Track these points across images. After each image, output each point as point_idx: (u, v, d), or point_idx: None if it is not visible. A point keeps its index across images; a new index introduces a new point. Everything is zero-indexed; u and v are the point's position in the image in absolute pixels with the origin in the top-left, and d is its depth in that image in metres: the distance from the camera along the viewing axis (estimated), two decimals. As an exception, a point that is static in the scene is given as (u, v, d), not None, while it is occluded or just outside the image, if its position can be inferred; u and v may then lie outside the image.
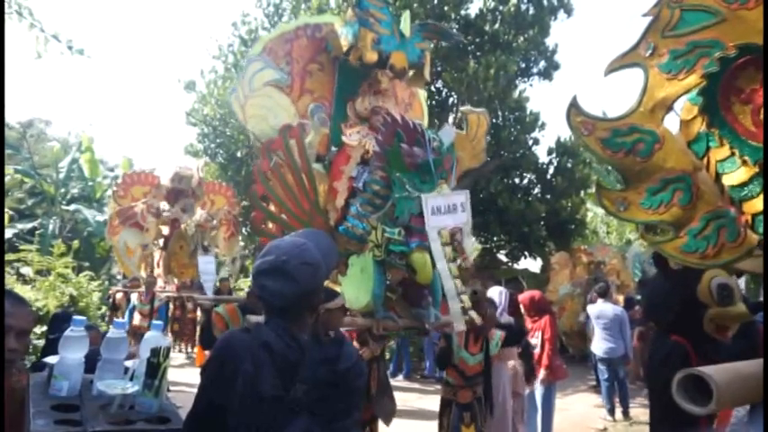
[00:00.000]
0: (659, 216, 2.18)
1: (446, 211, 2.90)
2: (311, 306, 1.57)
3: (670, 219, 2.15)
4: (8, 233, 15.09)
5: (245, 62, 3.76)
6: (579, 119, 2.28)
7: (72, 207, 17.10)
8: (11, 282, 9.72)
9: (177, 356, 10.23)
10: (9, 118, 23.90)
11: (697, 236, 2.05)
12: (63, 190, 17.62)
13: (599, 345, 6.84)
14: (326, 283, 3.59)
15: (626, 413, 6.85)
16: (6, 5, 6.79)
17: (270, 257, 1.53)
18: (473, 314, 2.90)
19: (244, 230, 11.88)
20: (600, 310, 6.90)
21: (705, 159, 2.06)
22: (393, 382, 5.19)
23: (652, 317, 3.30)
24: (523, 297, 5.48)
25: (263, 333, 1.47)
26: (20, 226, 16.05)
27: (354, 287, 3.25)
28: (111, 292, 10.30)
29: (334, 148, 3.87)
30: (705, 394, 1.29)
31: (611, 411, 6.79)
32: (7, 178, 17.26)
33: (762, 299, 5.17)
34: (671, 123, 2.27)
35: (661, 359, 2.77)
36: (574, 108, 2.29)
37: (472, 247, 3.25)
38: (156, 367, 1.78)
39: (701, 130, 2.06)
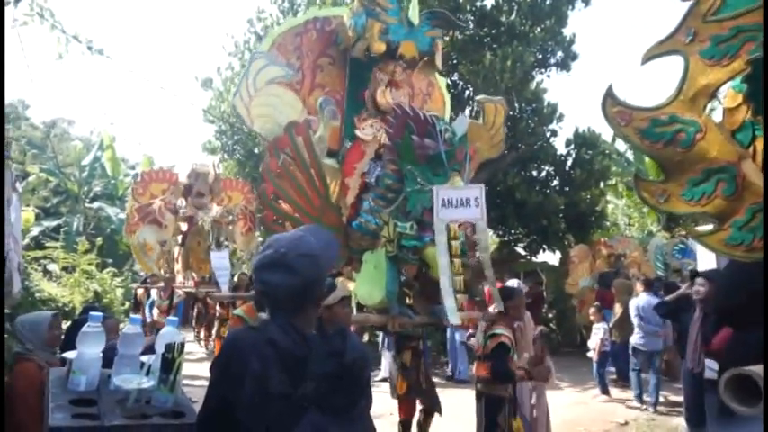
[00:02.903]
0: (702, 208, 2.08)
1: (458, 204, 2.84)
2: (313, 299, 1.57)
3: (713, 210, 2.05)
4: (34, 231, 15.47)
5: (248, 60, 3.71)
6: (615, 109, 2.19)
7: (95, 205, 17.46)
8: (38, 278, 9.96)
9: (198, 350, 10.40)
10: (34, 118, 24.48)
11: (742, 228, 1.97)
12: (86, 188, 18.00)
13: (640, 336, 6.91)
14: (341, 279, 3.59)
15: (655, 404, 6.84)
16: (28, 8, 6.94)
17: (269, 251, 1.53)
18: (465, 314, 2.87)
19: (262, 227, 11.97)
20: (647, 301, 6.91)
21: (751, 148, 1.97)
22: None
23: (720, 307, 3.14)
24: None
25: (268, 330, 1.48)
26: (45, 224, 16.44)
27: (368, 284, 3.22)
28: (134, 288, 10.51)
29: (348, 143, 3.82)
30: (755, 394, 1.26)
31: (640, 397, 6.91)
32: (32, 177, 17.68)
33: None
34: (713, 112, 2.18)
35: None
36: (610, 98, 2.20)
37: (488, 242, 3.17)
38: (170, 362, 1.80)
39: (747, 118, 1.97)
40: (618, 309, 8.02)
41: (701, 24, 2.05)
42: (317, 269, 1.55)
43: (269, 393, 1.38)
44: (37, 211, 15.84)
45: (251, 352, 1.42)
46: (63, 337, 3.31)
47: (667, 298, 5.49)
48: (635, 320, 6.96)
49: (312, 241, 1.56)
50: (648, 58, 2.17)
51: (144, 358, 1.96)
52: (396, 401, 4.12)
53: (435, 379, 8.43)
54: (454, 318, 2.88)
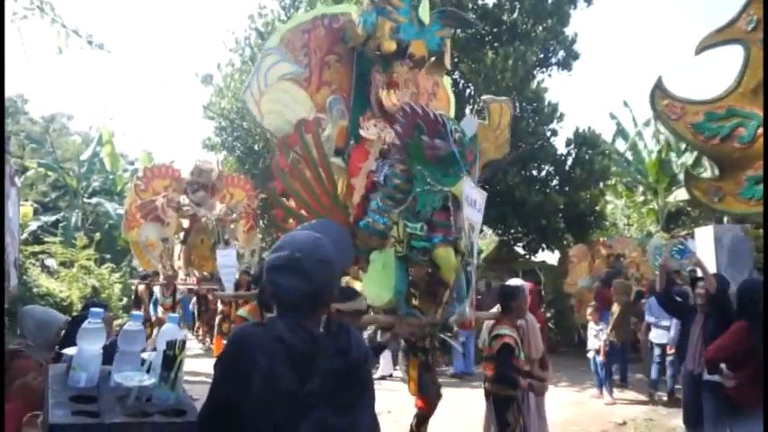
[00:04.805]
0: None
1: (470, 204, 2.85)
2: (325, 302, 1.56)
3: None
4: (32, 225, 15.44)
5: (259, 56, 3.67)
6: (665, 102, 2.06)
7: (94, 200, 17.43)
8: (35, 273, 9.93)
9: (195, 347, 10.38)
10: (33, 113, 24.42)
11: None
12: (85, 183, 17.97)
13: (656, 333, 7.35)
14: (348, 279, 3.57)
15: (671, 394, 7.10)
16: (28, 1, 6.91)
17: (283, 253, 1.50)
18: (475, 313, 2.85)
19: (262, 223, 11.94)
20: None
21: None
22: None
23: None
24: None
25: (276, 327, 1.47)
26: (44, 218, 16.42)
27: (376, 284, 3.20)
28: (134, 284, 10.49)
29: (352, 142, 3.80)
30: None
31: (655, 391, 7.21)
32: (31, 172, 17.65)
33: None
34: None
35: None
36: (659, 90, 2.07)
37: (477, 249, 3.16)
38: (171, 360, 1.78)
39: None
40: (616, 308, 8.02)
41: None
42: (331, 275, 1.54)
43: (276, 390, 1.38)
44: (35, 205, 15.82)
45: (258, 349, 1.42)
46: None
47: (657, 289, 5.49)
48: (647, 316, 7.34)
49: (328, 245, 1.53)
50: (703, 47, 2.00)
51: (145, 355, 1.94)
52: (393, 400, 4.10)
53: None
54: (470, 313, 2.89)
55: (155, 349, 2.03)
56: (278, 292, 1.51)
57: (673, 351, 6.87)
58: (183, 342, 1.83)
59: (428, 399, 3.76)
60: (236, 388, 1.41)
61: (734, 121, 1.94)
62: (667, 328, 6.96)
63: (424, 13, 3.81)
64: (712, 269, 4.96)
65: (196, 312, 10.64)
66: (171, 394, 1.77)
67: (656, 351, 7.32)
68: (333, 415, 1.43)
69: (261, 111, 3.50)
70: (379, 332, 3.72)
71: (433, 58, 3.82)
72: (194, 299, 10.02)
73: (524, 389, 3.60)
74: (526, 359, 3.78)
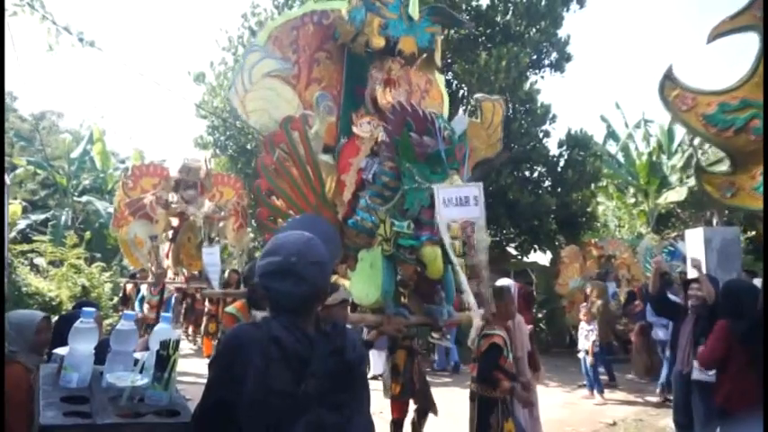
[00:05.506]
0: None
1: (457, 203, 2.81)
2: (320, 302, 1.57)
3: None
4: (21, 224, 15.28)
5: (243, 53, 3.64)
6: (676, 92, 1.96)
7: (84, 198, 17.29)
8: (24, 272, 9.83)
9: (185, 347, 10.32)
10: (22, 110, 24.16)
11: None
12: (75, 181, 17.83)
13: (659, 333, 7.52)
14: (336, 278, 3.54)
15: (662, 390, 7.20)
16: (18, -2, 6.84)
17: (276, 258, 1.50)
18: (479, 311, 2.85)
19: (253, 222, 11.88)
20: None
21: None
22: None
23: None
24: None
25: (272, 328, 1.46)
26: (33, 217, 16.27)
27: (364, 283, 3.18)
28: (122, 283, 10.40)
29: (343, 140, 3.76)
30: None
31: (663, 388, 7.24)
32: (20, 170, 17.46)
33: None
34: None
35: None
36: (668, 80, 1.99)
37: (485, 243, 3.12)
38: (165, 360, 1.77)
39: None
40: (596, 310, 8.05)
41: None
42: (325, 276, 1.56)
43: (272, 390, 1.38)
44: (24, 203, 15.68)
45: (254, 349, 1.41)
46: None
47: (650, 291, 5.53)
48: (649, 316, 7.45)
49: (320, 246, 1.54)
50: (716, 35, 1.92)
51: (138, 355, 1.93)
52: (386, 400, 4.11)
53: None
54: (477, 318, 2.88)
55: (147, 349, 2.02)
56: (273, 296, 1.51)
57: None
58: (177, 342, 1.82)
59: (403, 404, 3.78)
60: (232, 388, 1.40)
61: (749, 113, 1.85)
62: (667, 327, 7.07)
63: (414, 9, 3.77)
64: (702, 271, 5.01)
65: (183, 312, 10.58)
66: (164, 395, 1.76)
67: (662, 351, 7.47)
68: (328, 415, 1.43)
69: (246, 109, 3.47)
70: (365, 330, 3.71)
71: (423, 56, 3.78)
72: (181, 298, 9.94)
73: (505, 392, 3.56)
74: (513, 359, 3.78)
